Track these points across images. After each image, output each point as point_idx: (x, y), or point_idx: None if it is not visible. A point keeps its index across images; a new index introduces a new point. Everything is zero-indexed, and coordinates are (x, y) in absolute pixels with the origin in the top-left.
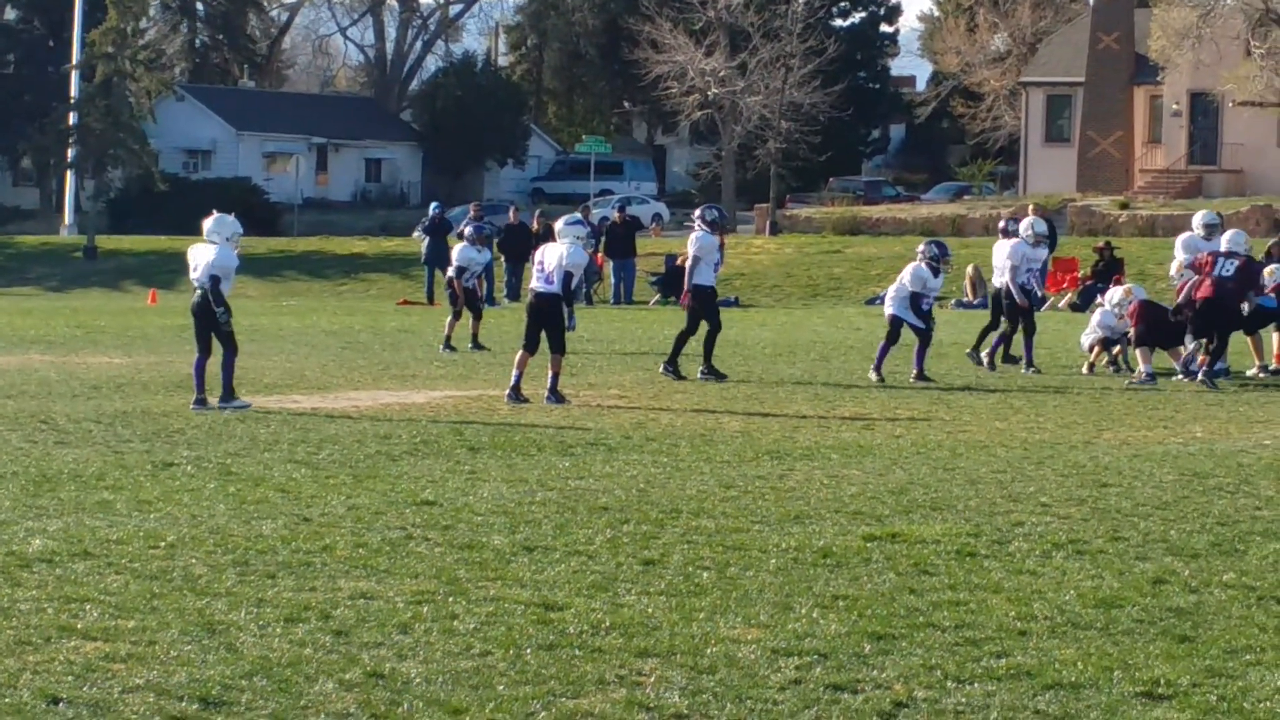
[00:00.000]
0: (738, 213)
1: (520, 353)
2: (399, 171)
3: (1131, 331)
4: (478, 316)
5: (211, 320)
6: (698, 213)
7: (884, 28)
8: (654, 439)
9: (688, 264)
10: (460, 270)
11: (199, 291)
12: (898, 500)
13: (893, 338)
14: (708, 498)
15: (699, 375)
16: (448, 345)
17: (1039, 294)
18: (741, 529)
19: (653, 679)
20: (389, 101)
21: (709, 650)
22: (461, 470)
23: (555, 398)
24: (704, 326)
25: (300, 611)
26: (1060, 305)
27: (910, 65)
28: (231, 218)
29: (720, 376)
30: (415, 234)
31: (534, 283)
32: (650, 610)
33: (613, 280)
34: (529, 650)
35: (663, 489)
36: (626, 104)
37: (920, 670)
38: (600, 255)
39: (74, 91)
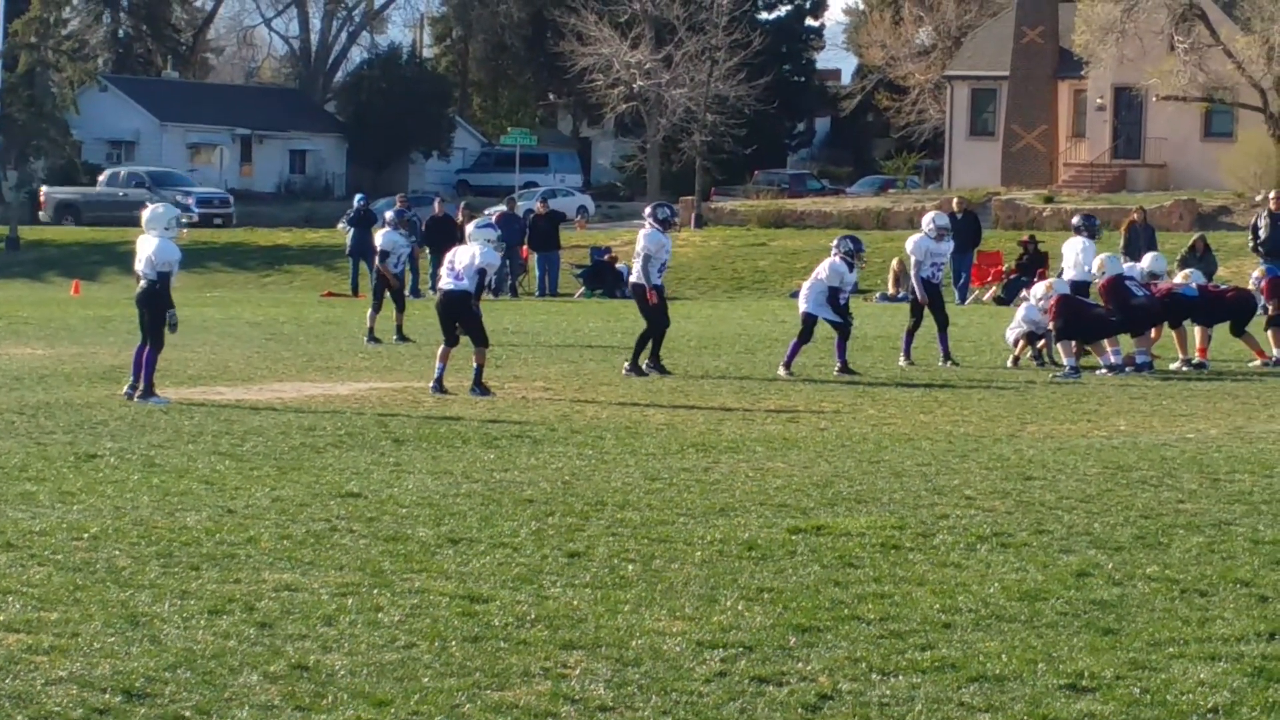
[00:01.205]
0: None
1: (442, 346)
2: (324, 163)
3: (1052, 325)
4: (401, 308)
5: (156, 311)
6: (648, 210)
7: (809, 21)
8: (579, 431)
9: (636, 262)
10: (384, 254)
11: (144, 282)
12: (822, 493)
13: (805, 335)
14: (633, 490)
15: (624, 370)
16: (371, 337)
17: (940, 287)
18: (667, 521)
19: (578, 671)
20: (314, 93)
21: (634, 642)
22: (386, 462)
23: (480, 390)
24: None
25: (224, 604)
26: (985, 299)
27: (835, 59)
28: (164, 207)
29: (642, 373)
30: (340, 226)
31: (443, 280)
32: (575, 603)
33: (537, 273)
34: (454, 642)
35: (588, 481)
36: (552, 96)
37: (845, 663)
38: (525, 248)
39: None
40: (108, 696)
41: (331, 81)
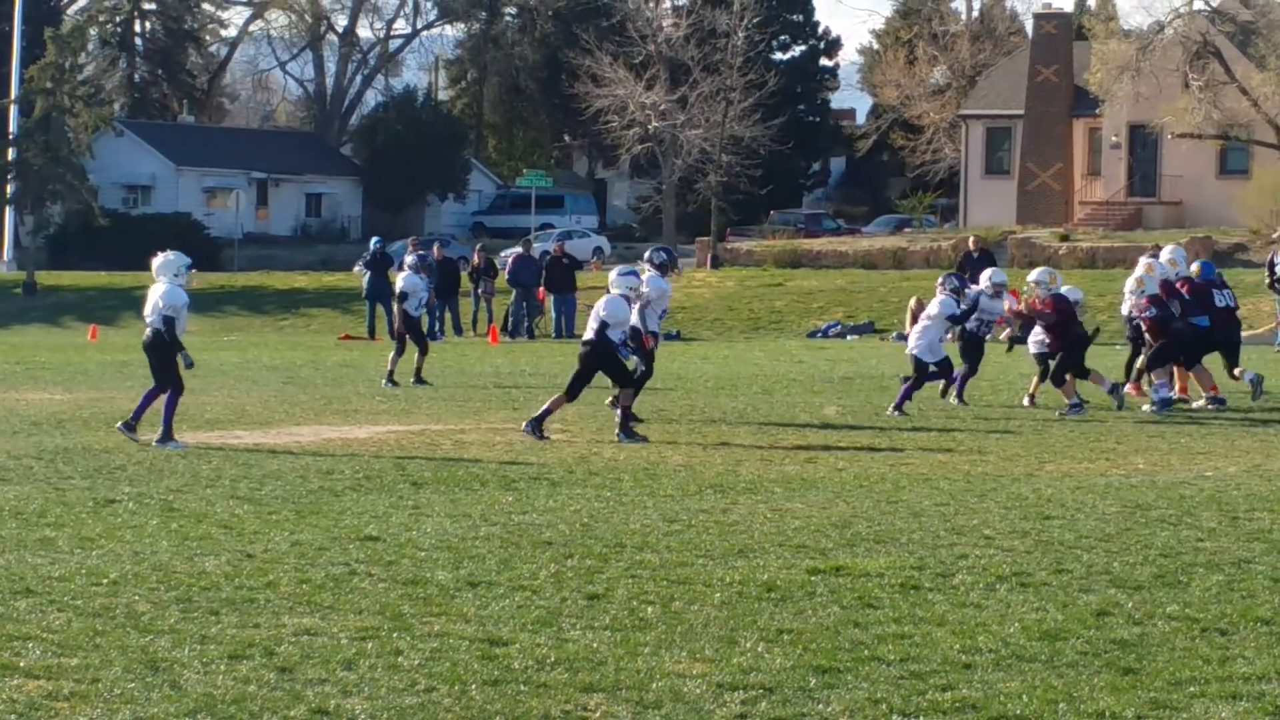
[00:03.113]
0: (679, 245)
1: (560, 395)
2: (339, 206)
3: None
4: (423, 351)
5: (164, 357)
6: (646, 254)
7: (824, 61)
8: (597, 473)
9: (638, 307)
10: (403, 296)
11: (150, 330)
12: (841, 533)
13: (918, 379)
14: (651, 532)
15: (608, 402)
16: (390, 380)
17: (984, 341)
18: (686, 563)
19: (598, 714)
20: (329, 136)
21: (654, 685)
22: (405, 505)
23: (627, 435)
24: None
25: (244, 648)
26: (1001, 338)
27: (850, 99)
28: (175, 255)
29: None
30: (356, 269)
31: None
32: (595, 645)
33: (554, 314)
34: (474, 686)
35: (606, 523)
36: (567, 138)
37: (866, 704)
38: (541, 289)
39: (12, 127)
40: None
41: (347, 124)
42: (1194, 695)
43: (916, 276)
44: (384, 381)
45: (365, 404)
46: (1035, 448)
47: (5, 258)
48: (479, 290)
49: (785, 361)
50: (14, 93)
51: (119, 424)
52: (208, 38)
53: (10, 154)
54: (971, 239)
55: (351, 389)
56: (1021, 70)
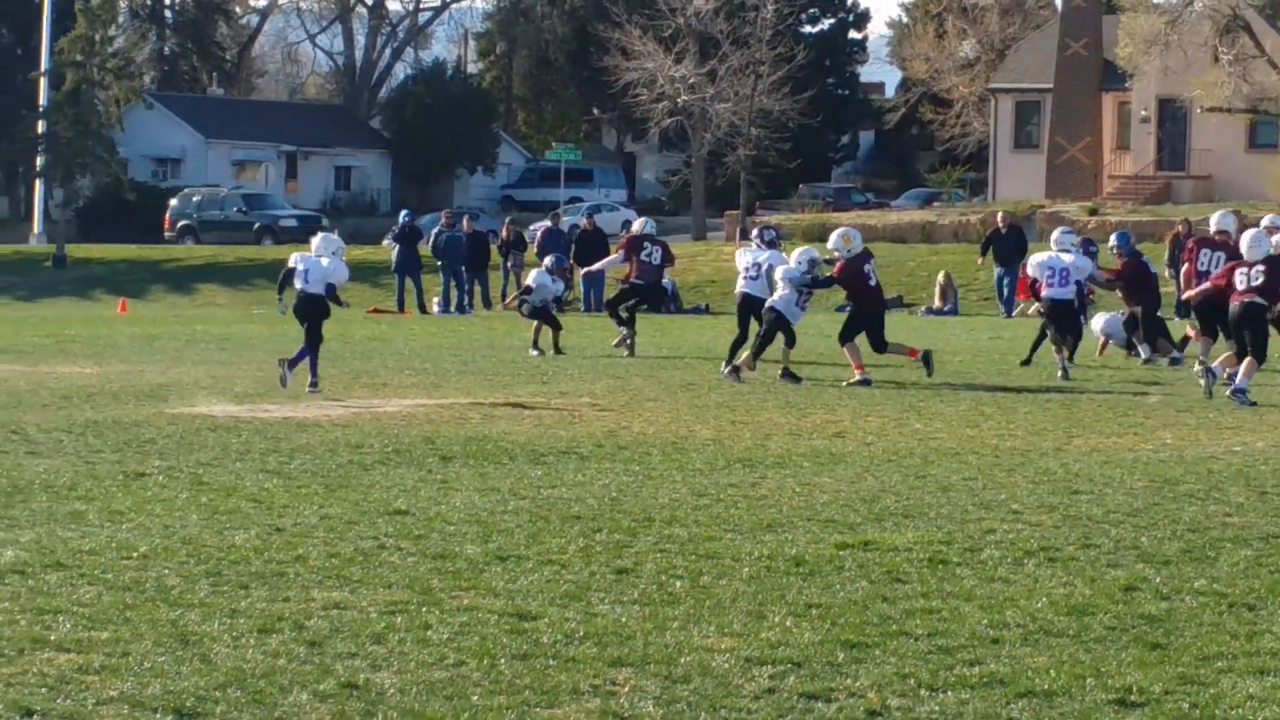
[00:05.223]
0: (707, 219)
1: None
2: (368, 179)
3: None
4: (557, 326)
5: (319, 319)
6: (755, 231)
7: (853, 34)
8: (626, 447)
9: (785, 283)
10: (528, 290)
11: (304, 293)
12: (870, 508)
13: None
14: (680, 506)
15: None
16: (535, 346)
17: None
18: (714, 537)
19: (627, 688)
20: (358, 109)
21: (683, 659)
22: (434, 479)
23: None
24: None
25: (274, 622)
26: (1030, 312)
27: (879, 72)
28: (335, 234)
29: (796, 380)
30: (385, 242)
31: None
32: (624, 619)
33: (583, 288)
34: (503, 660)
35: (635, 498)
36: (596, 111)
37: (894, 678)
38: (572, 262)
39: (43, 100)
40: (159, 716)
41: (376, 97)
42: (1222, 670)
43: (945, 251)
44: (531, 350)
45: (394, 377)
46: (1063, 422)
47: (36, 230)
48: (508, 264)
49: (814, 335)
50: (44, 65)
51: (308, 388)
52: (237, 10)
53: (40, 127)
54: (1000, 214)
55: (380, 362)
56: (1051, 43)
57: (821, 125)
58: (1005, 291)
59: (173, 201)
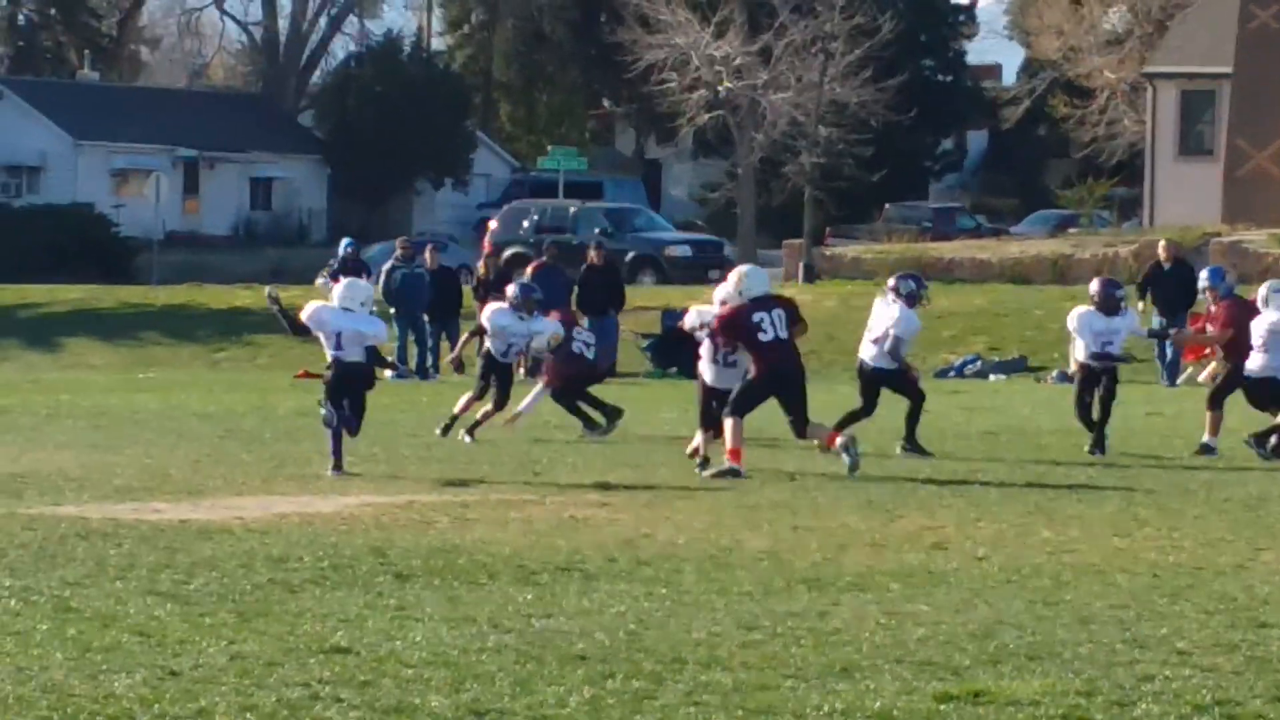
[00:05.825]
0: (759, 251)
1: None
2: (297, 195)
3: None
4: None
5: (364, 389)
6: (891, 282)
7: (958, 0)
8: (648, 562)
9: (888, 344)
10: (482, 330)
11: (339, 360)
12: (981, 647)
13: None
14: (722, 643)
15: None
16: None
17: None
18: (769, 686)
19: None
20: (283, 99)
21: None
22: (385, 605)
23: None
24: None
25: None
26: (1201, 379)
27: (994, 50)
28: (364, 282)
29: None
30: (319, 281)
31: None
32: None
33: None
34: None
35: (661, 631)
36: (607, 103)
37: None
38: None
39: None
40: None
41: (307, 83)
42: None
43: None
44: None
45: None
46: (1247, 528)
47: None
48: None
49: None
50: None
51: (331, 470)
52: None
53: None
54: (1162, 244)
55: (312, 445)
56: (1230, 13)
57: (915, 123)
58: (1169, 351)
59: None
